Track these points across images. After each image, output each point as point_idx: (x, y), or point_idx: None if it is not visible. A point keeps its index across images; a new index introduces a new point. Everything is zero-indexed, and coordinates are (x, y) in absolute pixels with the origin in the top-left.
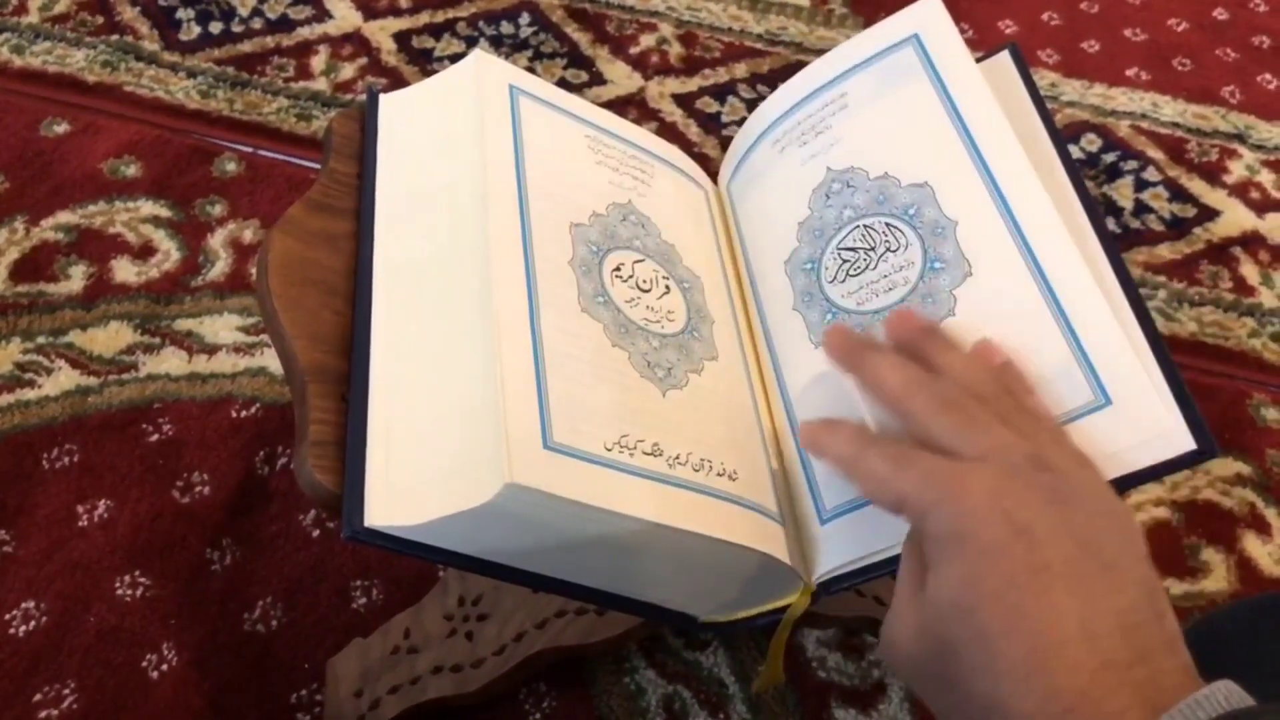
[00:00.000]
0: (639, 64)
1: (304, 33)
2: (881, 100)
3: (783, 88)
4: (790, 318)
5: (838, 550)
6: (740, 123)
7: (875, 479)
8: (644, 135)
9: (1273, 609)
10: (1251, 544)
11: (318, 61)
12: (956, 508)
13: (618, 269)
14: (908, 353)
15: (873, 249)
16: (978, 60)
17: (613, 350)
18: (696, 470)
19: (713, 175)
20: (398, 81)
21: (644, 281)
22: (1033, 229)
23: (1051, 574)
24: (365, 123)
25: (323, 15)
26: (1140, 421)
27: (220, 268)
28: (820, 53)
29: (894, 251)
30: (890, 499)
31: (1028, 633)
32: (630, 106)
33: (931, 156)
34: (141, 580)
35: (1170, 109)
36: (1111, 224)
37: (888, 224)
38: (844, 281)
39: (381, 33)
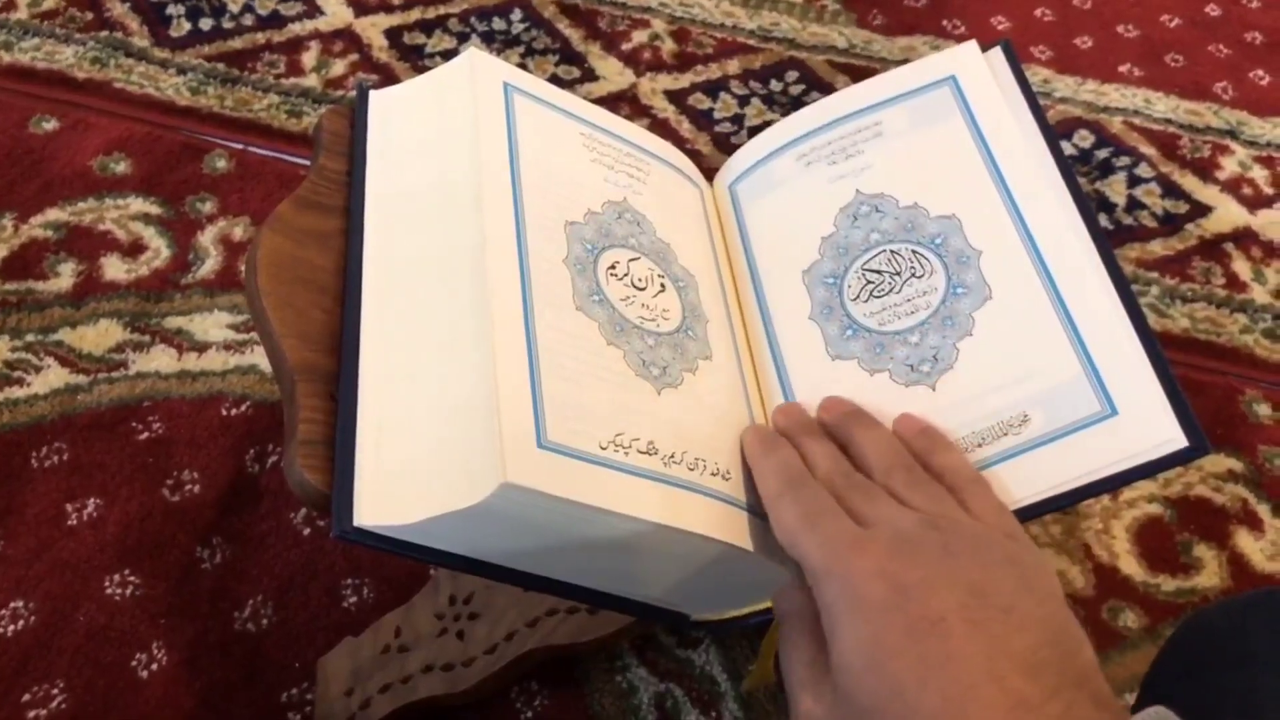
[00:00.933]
0: (631, 60)
1: (295, 29)
2: (916, 134)
3: (816, 106)
4: (806, 326)
5: None
6: (733, 120)
7: (783, 528)
8: (639, 132)
9: (1264, 605)
10: (1243, 540)
11: (308, 58)
12: (846, 574)
13: (613, 267)
14: (835, 431)
15: (898, 273)
16: None
17: (607, 349)
18: (691, 469)
19: (705, 172)
20: (389, 78)
21: (639, 280)
22: (1052, 255)
23: (948, 623)
24: (355, 119)
25: (314, 11)
26: (1146, 428)
27: (210, 265)
28: (813, 49)
29: (919, 278)
30: (792, 553)
31: (939, 680)
32: (622, 103)
33: (961, 191)
34: (131, 579)
35: (1163, 105)
36: (1104, 220)
37: (914, 251)
38: (867, 301)
39: (373, 29)
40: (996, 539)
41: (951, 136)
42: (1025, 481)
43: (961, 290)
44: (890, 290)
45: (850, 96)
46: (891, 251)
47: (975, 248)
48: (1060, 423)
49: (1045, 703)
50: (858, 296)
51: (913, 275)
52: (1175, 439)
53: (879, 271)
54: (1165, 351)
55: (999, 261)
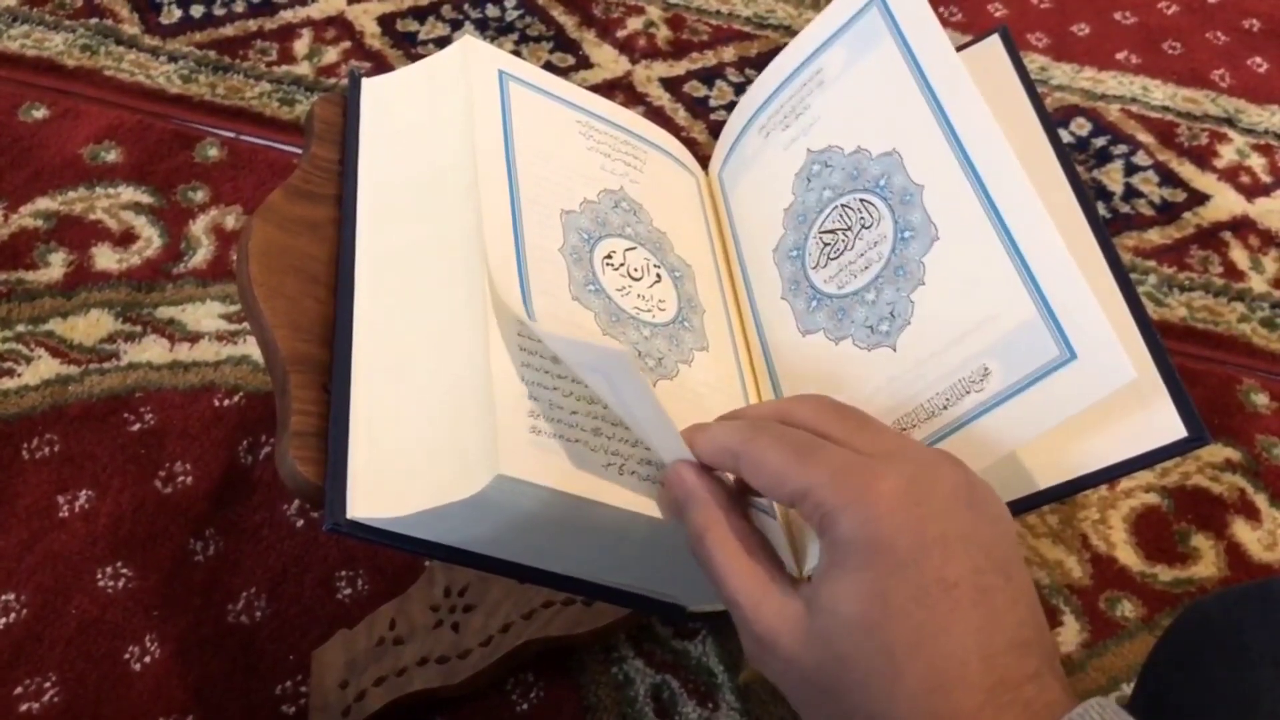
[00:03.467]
0: (626, 47)
1: (287, 16)
2: (851, 71)
3: (766, 71)
4: (779, 307)
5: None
6: (729, 107)
7: (769, 470)
8: (635, 120)
9: (1260, 597)
10: (1241, 530)
11: (300, 45)
12: (869, 512)
13: (609, 257)
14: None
15: (849, 229)
16: (968, 45)
17: (603, 339)
18: None
19: (701, 160)
20: (382, 65)
21: (635, 270)
22: (997, 186)
23: (959, 590)
24: (347, 108)
25: None
26: (1106, 373)
27: (202, 255)
28: None
29: (868, 228)
30: (787, 493)
31: (931, 651)
32: (617, 90)
33: (899, 123)
34: (123, 571)
35: (1160, 93)
36: (1101, 209)
37: (861, 200)
38: (825, 266)
39: (365, 16)
40: (992, 491)
41: (884, 63)
42: (994, 442)
43: (909, 234)
44: (845, 249)
45: (791, 51)
46: (842, 206)
47: (917, 183)
48: (1019, 374)
49: (1023, 684)
50: (817, 263)
51: (862, 226)
52: (1165, 416)
53: (832, 231)
54: (1163, 341)
55: (942, 195)
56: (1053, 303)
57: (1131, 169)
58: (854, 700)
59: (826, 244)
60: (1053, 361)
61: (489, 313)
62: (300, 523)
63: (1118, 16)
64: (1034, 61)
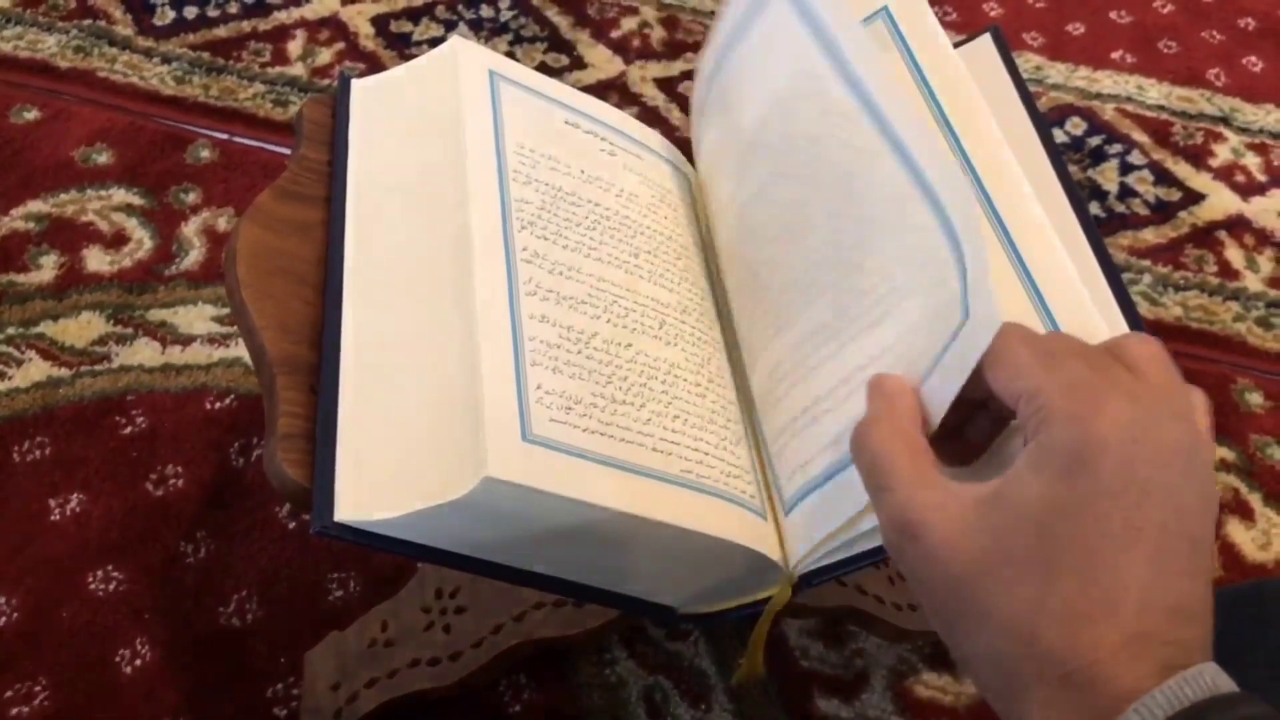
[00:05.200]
0: (620, 48)
1: (280, 17)
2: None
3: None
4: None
5: (804, 536)
6: None
7: (1013, 363)
8: (626, 120)
9: (1254, 598)
10: (1235, 530)
11: (294, 46)
12: (1089, 430)
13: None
14: None
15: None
16: (960, 44)
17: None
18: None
19: (693, 160)
20: (375, 66)
21: None
22: (1001, 198)
23: (1143, 539)
24: (337, 108)
25: None
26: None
27: (194, 257)
28: None
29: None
30: (1019, 387)
31: (1092, 579)
32: (612, 91)
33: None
34: (114, 574)
35: (1155, 92)
36: (1096, 208)
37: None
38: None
39: (359, 17)
40: (1209, 469)
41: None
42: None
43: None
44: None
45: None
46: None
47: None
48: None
49: (1168, 644)
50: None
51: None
52: None
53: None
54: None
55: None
56: (1052, 308)
57: (1127, 168)
58: (995, 599)
59: (763, 237)
60: None
61: (477, 314)
62: (292, 525)
63: (1113, 16)
64: (1029, 61)
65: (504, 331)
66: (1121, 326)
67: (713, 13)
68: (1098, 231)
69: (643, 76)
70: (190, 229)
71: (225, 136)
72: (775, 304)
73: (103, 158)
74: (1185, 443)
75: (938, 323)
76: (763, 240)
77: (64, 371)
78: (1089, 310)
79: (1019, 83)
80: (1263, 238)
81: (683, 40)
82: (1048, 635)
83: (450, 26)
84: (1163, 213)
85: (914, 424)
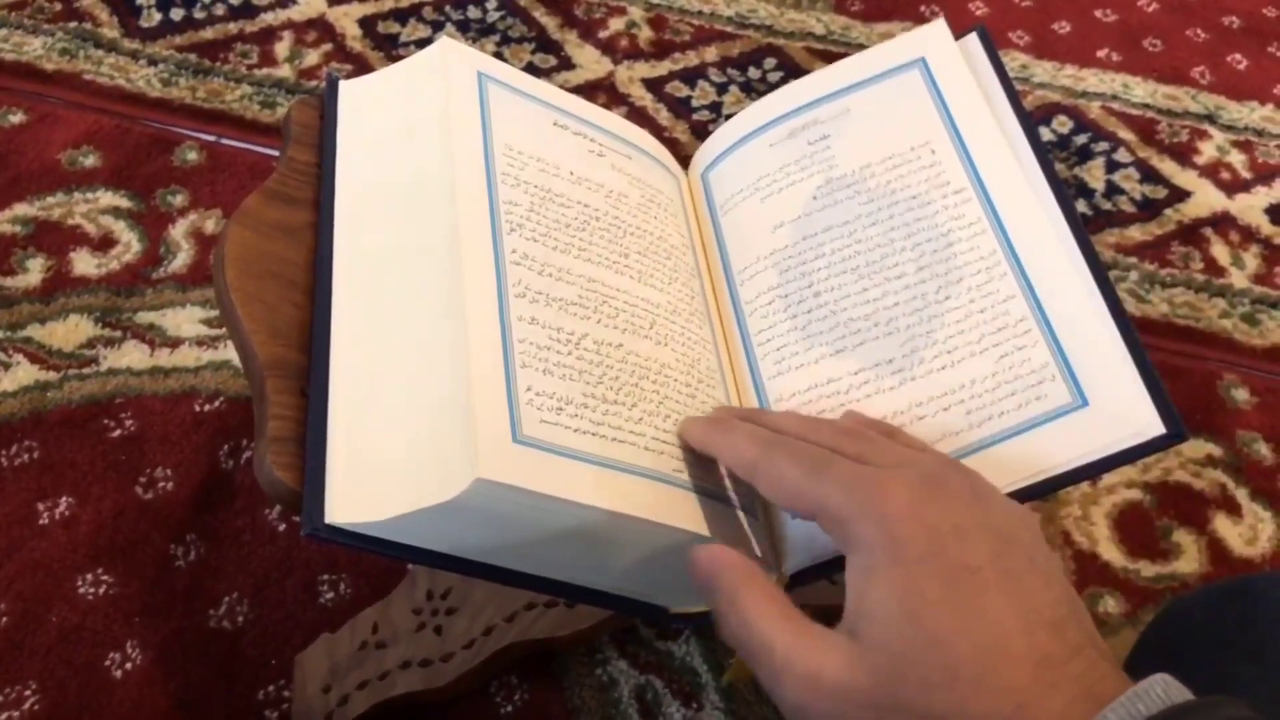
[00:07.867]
0: (608, 48)
1: (267, 18)
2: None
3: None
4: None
5: (804, 549)
6: (711, 107)
7: (786, 485)
8: (616, 121)
9: (1241, 593)
10: (1222, 525)
11: (281, 48)
12: (882, 514)
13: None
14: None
15: (865, 255)
16: None
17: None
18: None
19: (682, 160)
20: (363, 68)
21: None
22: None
23: (984, 573)
24: (325, 110)
25: (286, 0)
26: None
27: (182, 259)
28: (790, 36)
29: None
30: (805, 506)
31: (974, 631)
32: (599, 91)
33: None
34: (104, 578)
35: (1141, 90)
36: (1082, 206)
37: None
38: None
39: (346, 18)
40: (1003, 495)
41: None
42: (992, 476)
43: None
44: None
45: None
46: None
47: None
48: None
49: (1068, 660)
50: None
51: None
52: (1152, 425)
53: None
54: (1144, 337)
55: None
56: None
57: (1113, 166)
58: (919, 704)
59: (836, 265)
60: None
61: (466, 316)
62: (282, 527)
63: (1098, 14)
64: (1015, 59)
65: (494, 334)
66: (1108, 327)
67: (700, 12)
68: (1084, 230)
69: (630, 77)
70: (178, 231)
71: (212, 139)
72: (840, 328)
73: (89, 160)
74: (963, 481)
75: (1003, 380)
76: (839, 270)
77: (52, 375)
78: (1111, 359)
79: (1005, 82)
80: (1248, 234)
81: (670, 40)
82: (970, 702)
83: (438, 27)
84: (1149, 210)
85: (768, 584)
